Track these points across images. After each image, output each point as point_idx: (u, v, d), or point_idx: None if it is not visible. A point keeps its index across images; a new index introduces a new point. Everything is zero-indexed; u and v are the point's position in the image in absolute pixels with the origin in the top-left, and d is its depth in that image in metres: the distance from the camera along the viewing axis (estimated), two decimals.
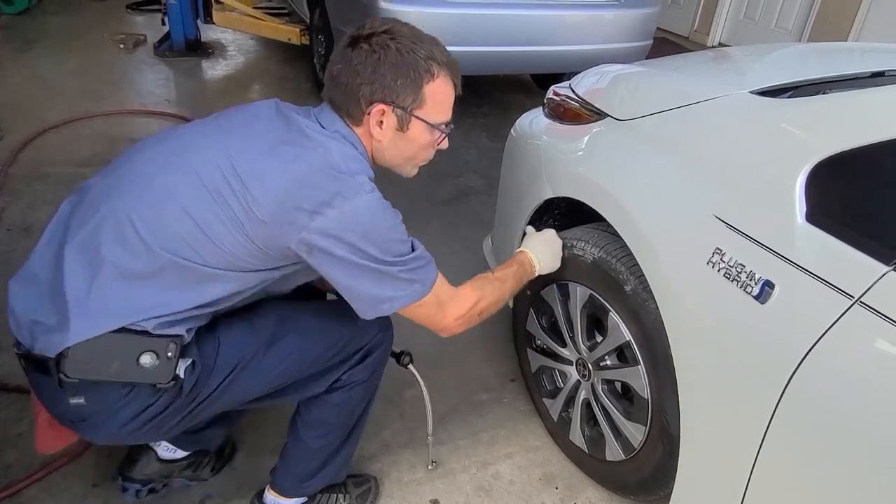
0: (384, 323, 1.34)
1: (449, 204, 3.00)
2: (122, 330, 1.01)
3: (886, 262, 0.88)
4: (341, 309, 1.21)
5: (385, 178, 1.19)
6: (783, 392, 0.99)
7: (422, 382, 1.47)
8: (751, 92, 1.28)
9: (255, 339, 1.19)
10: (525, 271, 1.41)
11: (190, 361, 1.09)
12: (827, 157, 0.99)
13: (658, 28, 3.91)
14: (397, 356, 1.47)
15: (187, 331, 1.08)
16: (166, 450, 1.47)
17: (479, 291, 1.27)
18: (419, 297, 1.14)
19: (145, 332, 1.03)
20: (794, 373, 0.96)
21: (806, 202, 1.00)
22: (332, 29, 3.64)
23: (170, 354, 1.05)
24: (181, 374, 1.08)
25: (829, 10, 4.70)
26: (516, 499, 1.61)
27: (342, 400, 1.33)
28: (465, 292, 1.24)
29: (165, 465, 1.48)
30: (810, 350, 0.94)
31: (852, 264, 0.92)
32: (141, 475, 1.47)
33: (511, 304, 1.88)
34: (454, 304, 1.21)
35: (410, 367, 1.48)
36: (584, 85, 1.74)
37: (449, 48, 1.17)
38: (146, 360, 1.03)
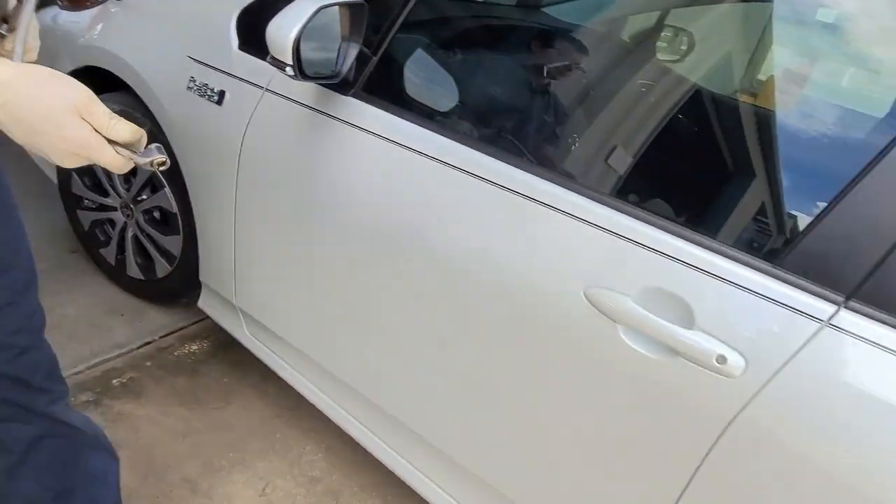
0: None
1: None
2: None
3: (263, 58, 1.46)
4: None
5: None
6: (238, 164, 1.54)
7: None
8: None
9: None
10: None
11: None
12: (243, 8, 1.56)
13: None
14: None
15: None
16: None
17: None
18: None
19: None
20: (240, 149, 1.52)
21: (237, 37, 1.56)
22: None
23: None
24: None
25: None
26: (86, 329, 1.91)
27: None
28: None
29: None
30: (247, 127, 1.51)
31: (260, 69, 1.50)
32: None
33: (55, 180, 2.10)
34: None
35: None
36: None
37: None
38: None
